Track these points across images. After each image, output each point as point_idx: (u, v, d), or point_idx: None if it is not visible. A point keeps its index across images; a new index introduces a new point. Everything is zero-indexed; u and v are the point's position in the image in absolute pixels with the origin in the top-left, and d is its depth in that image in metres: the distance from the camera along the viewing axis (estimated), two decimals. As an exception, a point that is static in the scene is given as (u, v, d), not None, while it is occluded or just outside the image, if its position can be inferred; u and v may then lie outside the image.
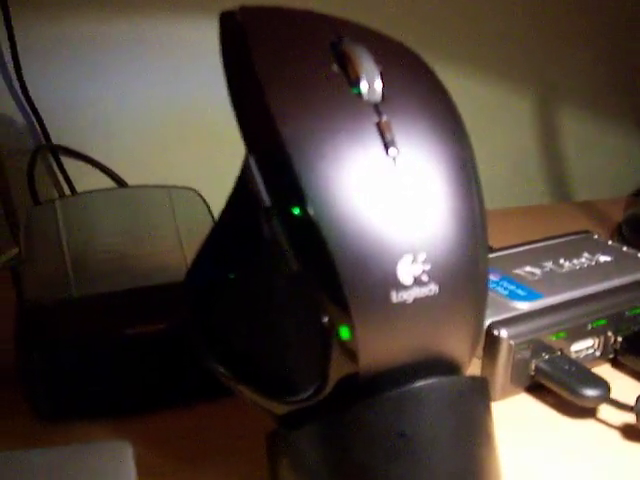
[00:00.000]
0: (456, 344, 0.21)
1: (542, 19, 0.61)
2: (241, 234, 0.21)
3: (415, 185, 0.20)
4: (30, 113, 0.49)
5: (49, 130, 0.50)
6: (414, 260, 0.20)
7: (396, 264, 0.19)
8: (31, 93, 0.48)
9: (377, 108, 0.20)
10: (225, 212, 0.21)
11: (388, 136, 0.20)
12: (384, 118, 0.20)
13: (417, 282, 0.20)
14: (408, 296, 0.19)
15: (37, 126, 0.49)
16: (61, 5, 0.48)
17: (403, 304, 0.19)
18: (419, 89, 0.22)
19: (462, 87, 0.59)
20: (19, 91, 0.48)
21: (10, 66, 0.48)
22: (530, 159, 0.65)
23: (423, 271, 0.20)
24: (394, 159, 0.20)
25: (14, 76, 0.48)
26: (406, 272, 0.19)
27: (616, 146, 0.68)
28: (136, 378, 0.30)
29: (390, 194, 0.20)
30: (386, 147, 0.20)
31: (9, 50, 0.47)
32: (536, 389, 0.32)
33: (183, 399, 0.31)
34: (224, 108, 0.21)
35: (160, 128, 0.52)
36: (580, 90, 0.65)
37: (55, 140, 0.50)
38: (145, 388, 0.30)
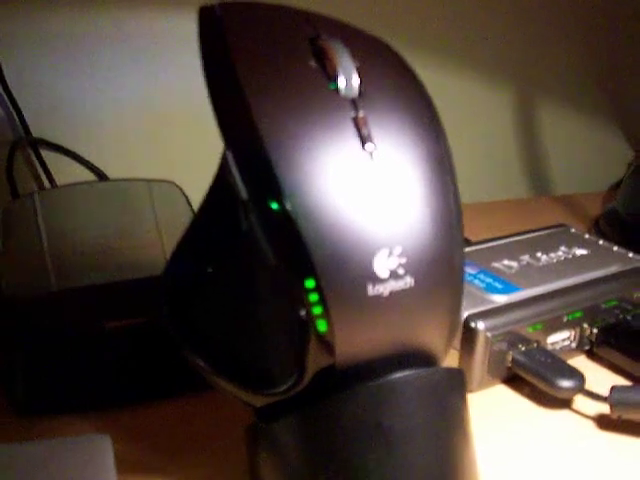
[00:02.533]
0: (432, 336, 0.22)
1: (524, 15, 0.61)
2: (219, 228, 0.21)
3: (391, 179, 0.20)
4: (9, 106, 0.49)
5: (28, 123, 0.49)
6: (390, 254, 0.20)
7: (372, 257, 0.20)
8: (11, 86, 0.48)
9: (354, 103, 0.21)
10: (204, 206, 0.21)
11: (365, 131, 0.20)
12: (361, 113, 0.20)
13: (393, 275, 0.20)
14: (384, 289, 0.20)
15: (16, 119, 0.49)
16: (40, -3, 0.48)
17: (379, 297, 0.20)
18: (396, 85, 0.22)
19: (442, 82, 0.60)
20: (-2, 84, 0.48)
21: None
22: (509, 153, 0.66)
23: (399, 264, 0.20)
24: (371, 154, 0.20)
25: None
26: (382, 265, 0.20)
27: (595, 141, 0.69)
28: (116, 372, 0.30)
29: (366, 188, 0.20)
30: (363, 142, 0.20)
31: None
32: (513, 380, 0.33)
33: (163, 392, 0.31)
34: (204, 102, 0.21)
35: (140, 122, 0.52)
36: (560, 85, 0.66)
37: (35, 133, 0.50)
38: (125, 382, 0.30)
